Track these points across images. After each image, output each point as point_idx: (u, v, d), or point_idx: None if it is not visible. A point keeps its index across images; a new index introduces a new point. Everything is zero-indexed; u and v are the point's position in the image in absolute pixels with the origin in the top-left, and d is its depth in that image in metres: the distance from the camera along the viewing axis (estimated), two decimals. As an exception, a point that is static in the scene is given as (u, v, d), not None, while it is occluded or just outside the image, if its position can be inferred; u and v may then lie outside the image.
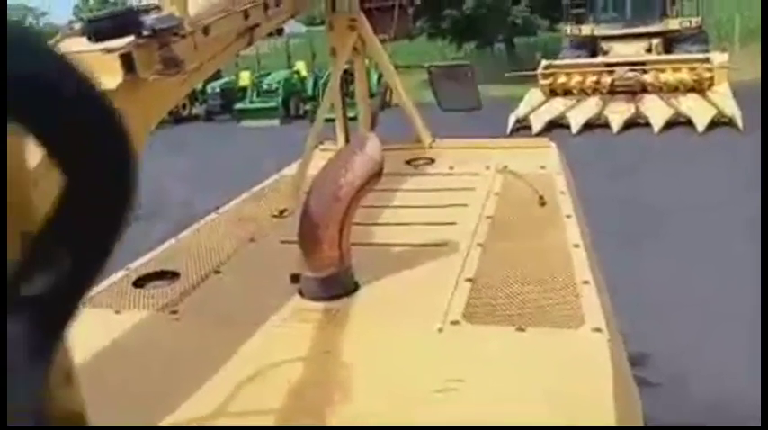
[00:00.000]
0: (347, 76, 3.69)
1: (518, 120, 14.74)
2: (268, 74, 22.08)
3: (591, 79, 15.21)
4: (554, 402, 1.30)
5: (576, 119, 14.50)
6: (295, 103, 20.92)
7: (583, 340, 1.53)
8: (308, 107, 19.73)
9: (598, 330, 1.55)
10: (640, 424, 1.72)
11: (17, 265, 0.30)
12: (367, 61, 3.80)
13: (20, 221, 0.33)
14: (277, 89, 20.84)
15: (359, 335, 1.65)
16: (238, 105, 21.04)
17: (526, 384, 1.38)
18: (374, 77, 12.87)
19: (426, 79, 4.15)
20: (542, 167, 2.93)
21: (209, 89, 21.46)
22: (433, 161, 3.23)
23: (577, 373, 1.41)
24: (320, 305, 1.80)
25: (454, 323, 1.64)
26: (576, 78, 15.35)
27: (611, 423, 1.24)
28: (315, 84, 20.44)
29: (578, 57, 16.88)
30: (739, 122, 13.32)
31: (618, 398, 1.32)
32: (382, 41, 3.62)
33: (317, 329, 1.69)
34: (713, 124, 13.64)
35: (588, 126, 14.42)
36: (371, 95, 4.27)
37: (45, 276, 0.30)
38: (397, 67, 3.80)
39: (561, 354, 1.49)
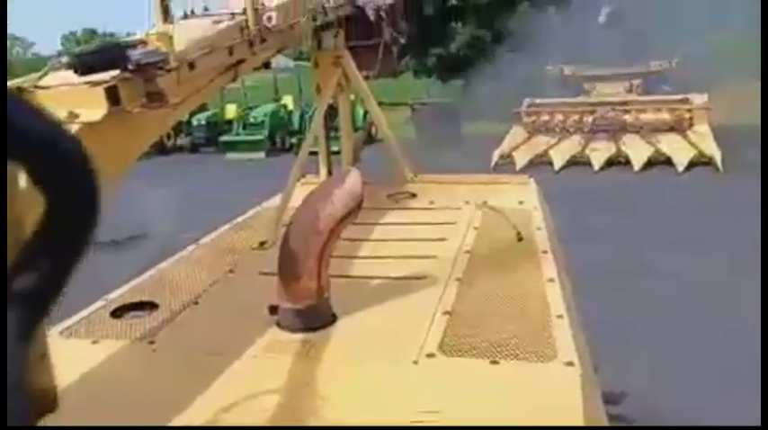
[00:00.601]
0: (332, 111, 3.75)
1: (501, 157, 14.93)
2: (255, 107, 22.24)
3: (573, 118, 15.47)
4: None
5: (558, 156, 14.70)
6: (281, 137, 21.04)
7: (555, 373, 1.55)
8: (294, 140, 19.84)
9: (570, 364, 1.58)
10: None
11: (10, 268, 0.40)
12: (354, 96, 3.87)
13: (12, 233, 0.43)
14: (263, 122, 20.97)
15: (335, 367, 1.66)
16: (224, 138, 21.11)
17: (499, 416, 1.40)
18: (360, 112, 13.03)
19: (409, 114, 4.22)
20: (521, 203, 2.98)
21: (194, 121, 21.55)
22: (414, 195, 3.27)
23: (549, 406, 1.43)
24: (297, 336, 1.81)
25: (430, 356, 1.66)
26: (559, 117, 15.62)
27: None
28: (301, 118, 20.59)
29: (561, 96, 17.19)
30: (719, 162, 13.56)
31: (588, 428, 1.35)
32: (366, 78, 3.69)
33: (294, 360, 1.71)
34: (693, 164, 13.88)
35: (570, 163, 14.62)
36: (356, 130, 4.33)
37: (31, 276, 0.40)
38: (381, 104, 3.87)
39: (533, 387, 1.51)
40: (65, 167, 0.40)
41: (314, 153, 3.50)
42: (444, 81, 26.26)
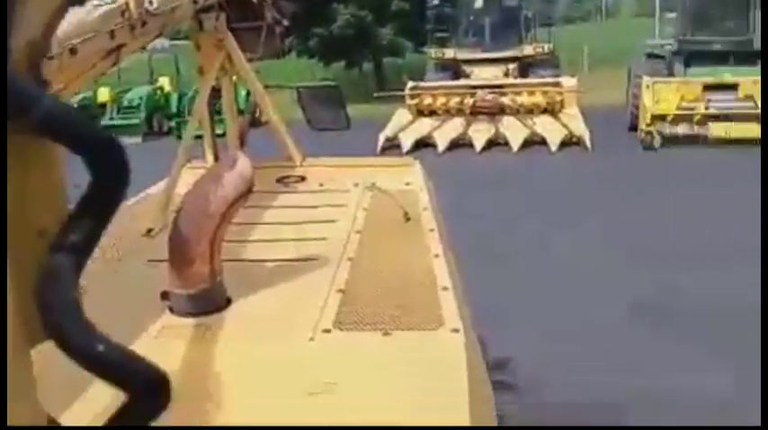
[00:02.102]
0: (214, 93, 3.70)
1: (387, 140, 15.16)
2: (129, 89, 21.29)
3: (455, 100, 15.92)
4: (414, 395, 1.43)
5: (442, 138, 15.12)
6: (158, 120, 20.30)
7: (442, 340, 1.67)
8: (172, 124, 19.20)
9: (456, 331, 1.70)
10: (493, 413, 1.88)
11: (64, 226, 0.57)
12: (234, 78, 3.83)
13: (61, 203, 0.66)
14: (139, 105, 20.14)
15: (231, 349, 1.69)
16: (97, 122, 20.12)
17: (391, 382, 1.50)
18: (242, 93, 12.83)
19: (295, 97, 4.24)
20: (407, 184, 3.10)
21: (65, 105, 20.32)
22: (303, 179, 3.31)
23: (437, 369, 1.55)
24: (192, 321, 1.82)
25: (326, 331, 1.73)
26: (441, 99, 16.02)
27: (465, 410, 1.38)
28: (180, 100, 19.93)
29: (442, 79, 17.64)
30: (588, 142, 14.44)
31: (473, 389, 1.47)
32: (250, 60, 3.67)
33: (188, 345, 1.72)
34: (564, 143, 14.69)
35: (453, 145, 15.07)
36: (240, 113, 4.29)
37: (80, 231, 0.57)
38: (266, 87, 3.85)
39: (423, 354, 1.62)
40: (108, 151, 0.57)
41: (198, 137, 3.45)
42: (327, 63, 26.20)
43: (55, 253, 0.56)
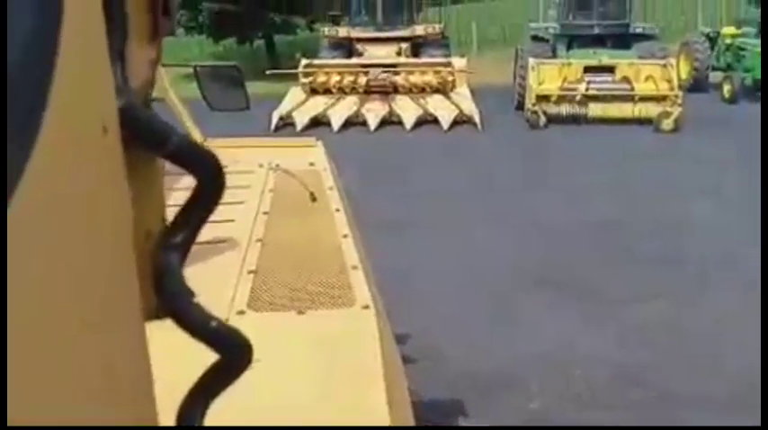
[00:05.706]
0: None
1: (281, 118, 14.99)
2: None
3: (348, 79, 15.94)
4: (330, 371, 1.51)
5: (336, 117, 15.12)
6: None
7: (354, 316, 1.75)
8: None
9: (367, 307, 1.79)
10: (404, 382, 2.00)
11: (171, 228, 0.68)
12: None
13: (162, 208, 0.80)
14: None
15: (149, 334, 1.69)
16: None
17: (307, 359, 1.57)
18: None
19: (186, 73, 4.17)
20: (311, 164, 3.14)
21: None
22: None
23: (351, 343, 1.63)
24: None
25: (240, 313, 1.77)
26: (335, 78, 15.99)
27: (380, 379, 1.47)
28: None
29: (336, 57, 17.61)
30: (478, 121, 14.91)
31: (385, 360, 1.56)
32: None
33: None
34: (456, 122, 15.10)
35: (348, 123, 15.12)
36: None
37: (182, 232, 0.66)
38: (162, 65, 3.77)
39: (337, 330, 1.70)
40: (215, 170, 0.67)
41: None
42: (217, 39, 25.49)
43: (167, 251, 0.66)
